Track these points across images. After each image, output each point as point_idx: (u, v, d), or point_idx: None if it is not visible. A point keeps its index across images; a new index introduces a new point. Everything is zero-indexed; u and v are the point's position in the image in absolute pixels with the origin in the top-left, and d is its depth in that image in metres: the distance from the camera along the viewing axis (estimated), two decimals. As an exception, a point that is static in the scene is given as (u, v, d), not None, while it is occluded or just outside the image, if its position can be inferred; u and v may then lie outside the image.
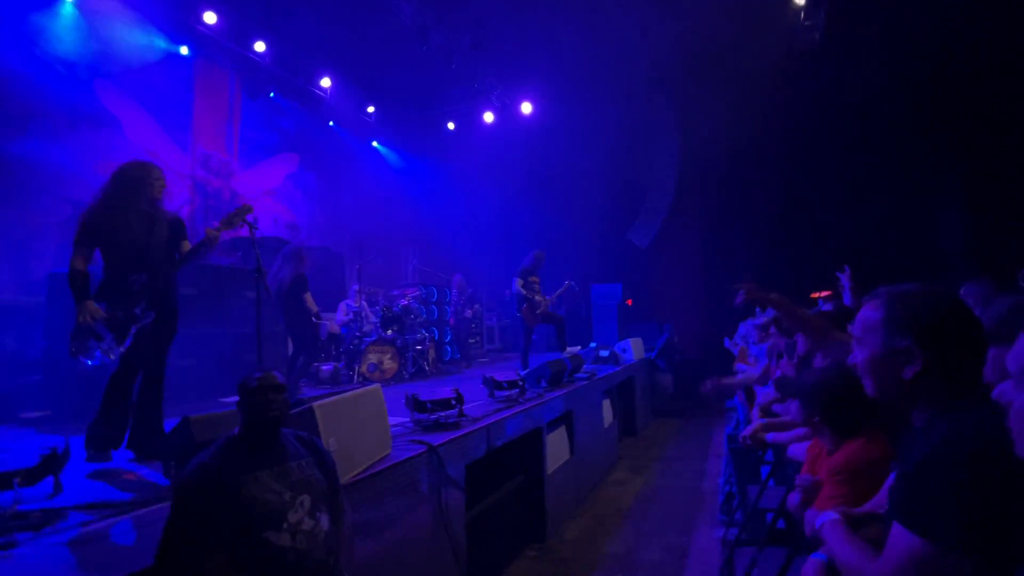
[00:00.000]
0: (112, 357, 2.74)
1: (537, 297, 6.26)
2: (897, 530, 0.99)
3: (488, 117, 10.78)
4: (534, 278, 6.33)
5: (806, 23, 8.44)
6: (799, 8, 8.42)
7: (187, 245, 3.06)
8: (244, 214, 3.02)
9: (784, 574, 2.06)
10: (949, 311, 1.08)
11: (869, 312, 1.16)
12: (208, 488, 1.55)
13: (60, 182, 5.79)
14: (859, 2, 8.18)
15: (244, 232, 3.24)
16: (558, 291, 6.58)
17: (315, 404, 2.20)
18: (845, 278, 3.50)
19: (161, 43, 7.08)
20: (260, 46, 8.10)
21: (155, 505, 2.04)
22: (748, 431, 2.84)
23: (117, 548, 1.69)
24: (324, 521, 1.71)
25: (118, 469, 2.75)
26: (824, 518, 1.27)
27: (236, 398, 1.73)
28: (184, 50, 7.30)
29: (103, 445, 2.77)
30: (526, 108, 10.62)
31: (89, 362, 2.72)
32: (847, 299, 3.43)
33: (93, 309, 2.72)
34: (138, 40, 6.80)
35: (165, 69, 7.17)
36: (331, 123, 9.99)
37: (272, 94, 8.69)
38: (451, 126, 11.22)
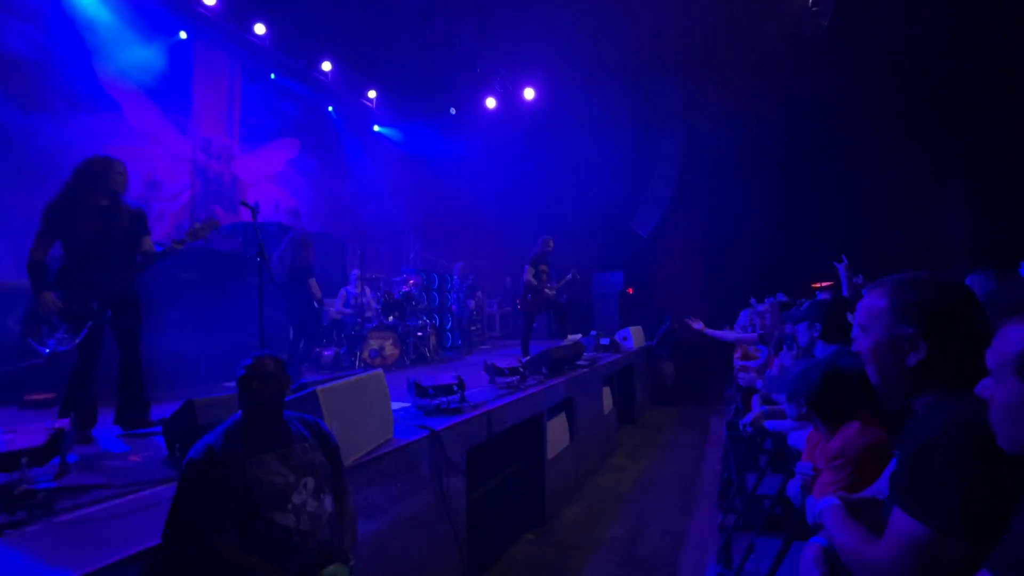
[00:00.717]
0: (66, 348, 2.79)
1: (547, 288, 6.24)
2: (897, 515, 1.00)
3: (490, 103, 10.69)
4: (544, 266, 6.30)
5: (814, 9, 8.31)
6: (807, -6, 8.30)
7: (148, 240, 3.13)
8: (210, 228, 3.13)
9: (781, 560, 2.09)
10: (954, 299, 1.08)
11: (874, 300, 1.16)
12: (214, 468, 1.57)
13: (60, 165, 5.74)
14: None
15: (246, 217, 3.26)
16: (563, 280, 6.57)
17: (318, 388, 2.21)
18: (842, 268, 3.48)
19: (161, 26, 7.00)
20: (260, 29, 8.00)
21: (160, 486, 2.07)
22: (749, 419, 2.86)
23: (124, 527, 1.71)
24: (328, 503, 1.74)
25: (123, 451, 2.78)
26: (824, 503, 1.29)
27: (238, 382, 1.73)
28: (183, 34, 7.21)
29: (79, 429, 2.85)
30: (529, 94, 10.51)
31: (44, 350, 2.78)
32: (844, 289, 3.43)
33: (50, 299, 2.79)
34: (138, 23, 6.72)
35: (165, 52, 7.10)
36: (331, 108, 9.91)
37: (273, 75, 8.60)
38: (453, 112, 11.13)
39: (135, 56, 6.69)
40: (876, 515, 1.19)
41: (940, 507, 0.94)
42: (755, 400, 3.39)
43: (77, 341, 2.82)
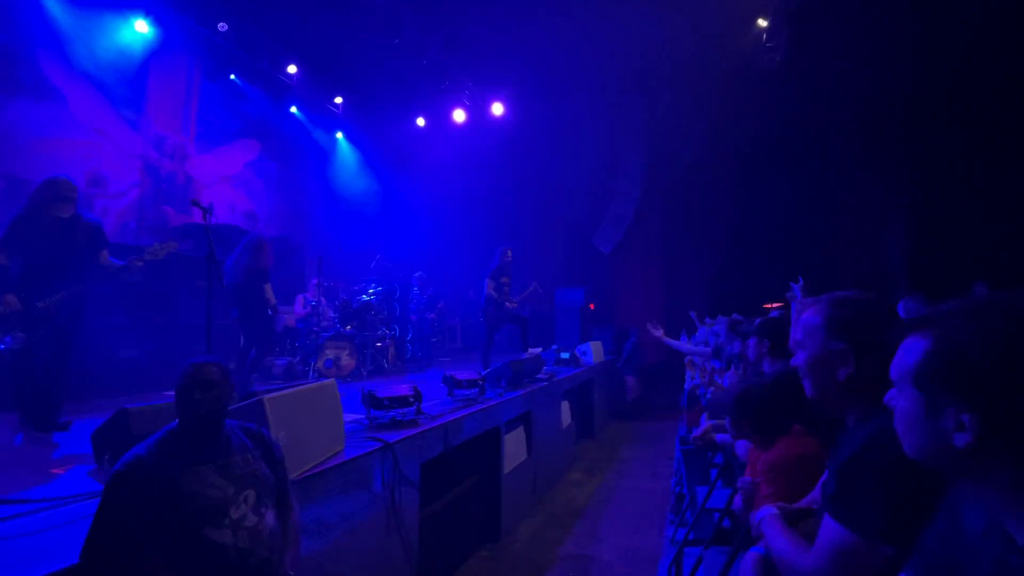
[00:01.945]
0: (20, 346, 3.05)
1: (508, 302, 6.23)
2: (827, 522, 1.04)
3: (459, 115, 10.72)
4: (505, 279, 6.28)
5: (768, 44, 8.80)
6: (762, 30, 8.78)
7: (105, 254, 3.36)
8: (168, 249, 3.39)
9: (727, 571, 2.13)
10: (881, 318, 1.15)
11: (810, 316, 1.22)
12: (142, 482, 1.47)
13: (-5, 155, 5.39)
14: (818, 29, 8.60)
15: (199, 218, 3.23)
16: (523, 293, 6.59)
17: (265, 397, 2.12)
18: (798, 288, 3.63)
19: (116, 15, 6.70)
20: (223, 26, 7.78)
21: (83, 501, 1.93)
22: (698, 432, 2.93)
23: (40, 544, 1.58)
24: (269, 517, 1.65)
25: (47, 462, 2.58)
26: (763, 513, 1.33)
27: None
28: (140, 25, 6.92)
29: (41, 425, 3.06)
30: (497, 109, 10.62)
31: (0, 346, 3.04)
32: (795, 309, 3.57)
33: (11, 300, 3.02)
34: (90, 10, 6.42)
35: (118, 43, 6.79)
36: (295, 111, 9.70)
37: (233, 76, 8.35)
38: (420, 122, 11.10)
39: (84, 45, 6.36)
40: (812, 524, 1.24)
41: (867, 515, 0.98)
42: (703, 417, 3.47)
43: (32, 338, 3.05)
